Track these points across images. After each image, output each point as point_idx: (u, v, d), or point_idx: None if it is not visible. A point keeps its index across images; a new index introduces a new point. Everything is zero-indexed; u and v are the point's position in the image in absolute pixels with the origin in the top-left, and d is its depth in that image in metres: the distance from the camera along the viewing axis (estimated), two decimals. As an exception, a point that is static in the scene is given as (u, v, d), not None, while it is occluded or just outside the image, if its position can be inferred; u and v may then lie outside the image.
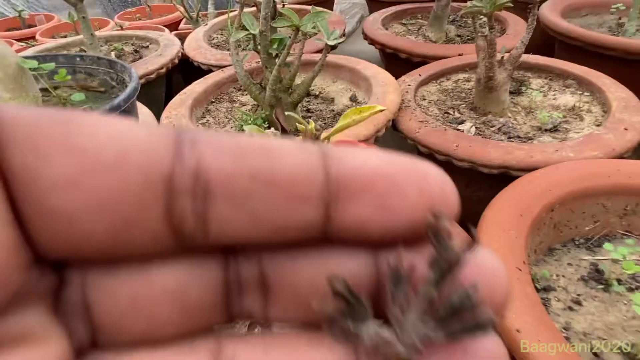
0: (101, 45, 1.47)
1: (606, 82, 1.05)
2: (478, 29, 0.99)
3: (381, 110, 0.47)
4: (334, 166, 0.12)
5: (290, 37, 0.96)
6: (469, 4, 1.00)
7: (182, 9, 1.81)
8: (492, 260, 0.13)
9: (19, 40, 1.88)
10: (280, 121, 1.02)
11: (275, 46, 1.00)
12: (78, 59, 0.65)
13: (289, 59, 0.98)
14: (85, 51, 1.53)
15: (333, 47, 1.22)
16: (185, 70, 1.56)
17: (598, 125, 0.95)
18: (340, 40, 0.92)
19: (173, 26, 2.00)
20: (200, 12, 1.97)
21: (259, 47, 0.99)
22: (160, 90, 1.45)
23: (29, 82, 0.54)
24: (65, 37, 2.01)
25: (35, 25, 2.10)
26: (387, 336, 0.12)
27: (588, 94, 1.07)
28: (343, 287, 0.12)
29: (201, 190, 0.11)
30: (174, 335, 0.12)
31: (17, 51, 1.70)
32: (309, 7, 1.72)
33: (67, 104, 0.57)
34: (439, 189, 0.13)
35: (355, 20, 2.69)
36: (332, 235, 0.12)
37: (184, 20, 2.05)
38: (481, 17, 1.20)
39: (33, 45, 1.66)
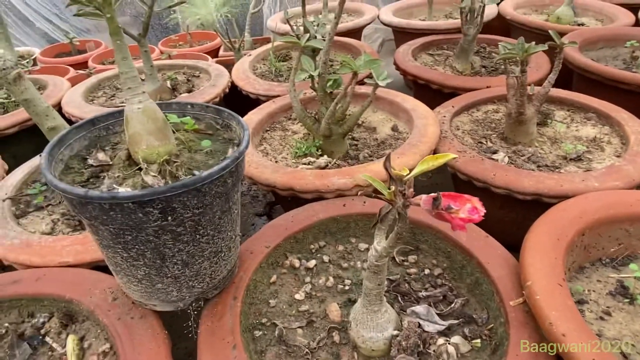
0: (156, 73, 1.61)
1: (624, 117, 1.17)
2: (509, 69, 1.12)
3: (453, 158, 0.59)
4: None
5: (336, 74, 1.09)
6: (500, 46, 1.13)
7: (225, 40, 1.95)
8: None
9: (73, 66, 2.03)
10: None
11: (329, 84, 1.14)
12: (189, 106, 0.78)
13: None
14: (143, 79, 1.68)
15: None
16: (228, 97, 1.69)
17: (618, 157, 1.07)
18: (389, 80, 1.05)
19: (212, 53, 2.16)
20: (237, 39, 2.13)
21: (316, 85, 1.13)
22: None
23: (169, 131, 0.67)
24: (112, 62, 2.17)
25: (85, 51, 2.27)
26: None
27: (607, 126, 1.19)
28: None
29: None
30: None
31: (77, 79, 1.85)
32: (342, 39, 1.87)
33: (194, 147, 0.70)
34: None
35: (377, 44, 2.84)
36: None
37: (222, 46, 2.20)
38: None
39: (91, 74, 1.81)
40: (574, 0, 1.91)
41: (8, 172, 1.16)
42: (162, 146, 0.63)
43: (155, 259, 0.63)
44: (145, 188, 0.58)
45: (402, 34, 2.03)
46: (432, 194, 0.46)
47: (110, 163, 0.65)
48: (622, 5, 1.98)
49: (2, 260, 0.87)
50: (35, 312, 0.78)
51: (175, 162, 0.63)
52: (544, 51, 1.10)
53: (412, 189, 0.49)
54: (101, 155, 0.67)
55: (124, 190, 0.58)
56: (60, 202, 1.03)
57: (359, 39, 2.17)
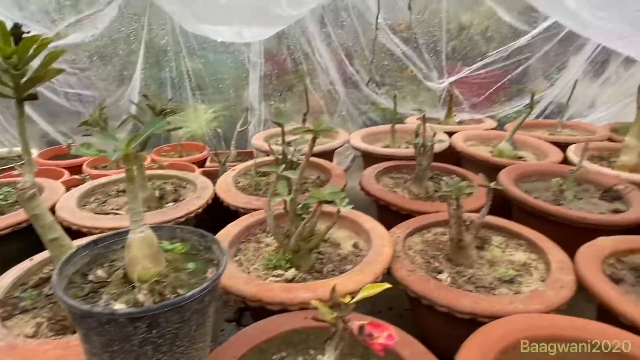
0: (147, 182, 1.77)
1: (549, 245, 1.38)
2: (450, 202, 1.34)
3: (388, 287, 0.75)
4: None
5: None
6: (442, 184, 1.36)
7: (211, 153, 2.19)
8: None
9: (68, 169, 2.21)
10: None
11: (300, 207, 1.33)
12: (177, 230, 0.94)
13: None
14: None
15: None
16: (212, 207, 1.85)
17: (542, 281, 1.25)
18: (350, 207, 1.24)
19: (200, 163, 2.39)
20: (223, 151, 2.38)
21: (288, 207, 1.32)
22: (192, 224, 1.74)
23: (161, 255, 0.82)
24: (105, 167, 2.36)
25: (81, 155, 2.46)
26: None
27: (535, 253, 1.39)
28: None
29: None
30: None
31: (71, 182, 2.01)
32: (316, 160, 2.14)
33: (179, 267, 0.84)
34: None
35: (349, 160, 3.16)
36: None
37: (209, 157, 2.44)
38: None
39: (86, 179, 1.98)
40: (513, 137, 2.27)
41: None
42: (154, 268, 0.77)
43: (135, 366, 0.74)
44: (136, 305, 0.71)
45: (369, 157, 2.33)
46: (360, 323, 0.61)
47: (109, 280, 0.78)
48: (553, 143, 2.35)
49: (-16, 363, 0.93)
50: (10, 416, 0.84)
51: (163, 282, 0.77)
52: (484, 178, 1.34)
53: (351, 315, 0.64)
54: (100, 272, 0.81)
55: (119, 307, 0.70)
56: (44, 306, 1.12)
57: (332, 157, 2.46)
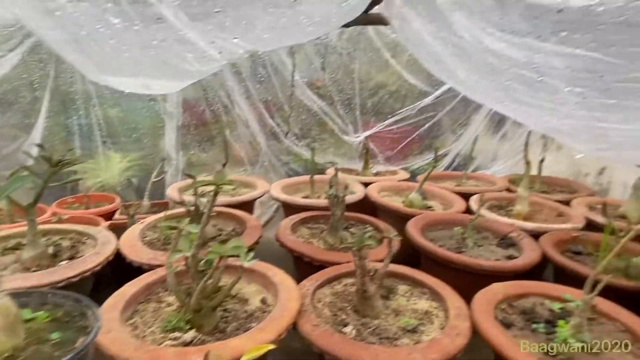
0: (40, 238, 1.62)
1: (448, 293, 1.44)
2: (356, 254, 1.37)
3: (270, 348, 0.73)
4: None
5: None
6: (346, 234, 1.40)
7: (120, 205, 2.07)
8: None
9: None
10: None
11: (202, 262, 1.28)
12: (50, 295, 0.85)
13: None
14: (24, 244, 1.68)
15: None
16: (116, 263, 1.73)
17: (442, 329, 1.29)
18: (254, 261, 1.22)
19: (109, 215, 2.24)
20: (133, 203, 2.27)
21: (189, 263, 1.26)
22: (89, 283, 1.60)
23: (19, 326, 0.74)
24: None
25: (-31, 208, 2.21)
26: None
27: (436, 301, 1.45)
28: None
29: None
30: None
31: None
32: (231, 210, 2.10)
33: (44, 337, 0.76)
34: None
35: (272, 210, 3.15)
36: None
37: (119, 209, 2.31)
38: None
39: (-32, 235, 1.76)
40: (422, 188, 2.41)
41: None
42: (8, 341, 0.69)
43: None
44: (-22, 387, 0.62)
45: (288, 207, 2.34)
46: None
47: (-50, 358, 0.68)
48: (458, 193, 2.53)
49: None
50: None
51: (19, 356, 0.69)
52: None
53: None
54: (-58, 349, 0.70)
55: (-46, 391, 0.61)
56: None
57: (252, 208, 2.43)
